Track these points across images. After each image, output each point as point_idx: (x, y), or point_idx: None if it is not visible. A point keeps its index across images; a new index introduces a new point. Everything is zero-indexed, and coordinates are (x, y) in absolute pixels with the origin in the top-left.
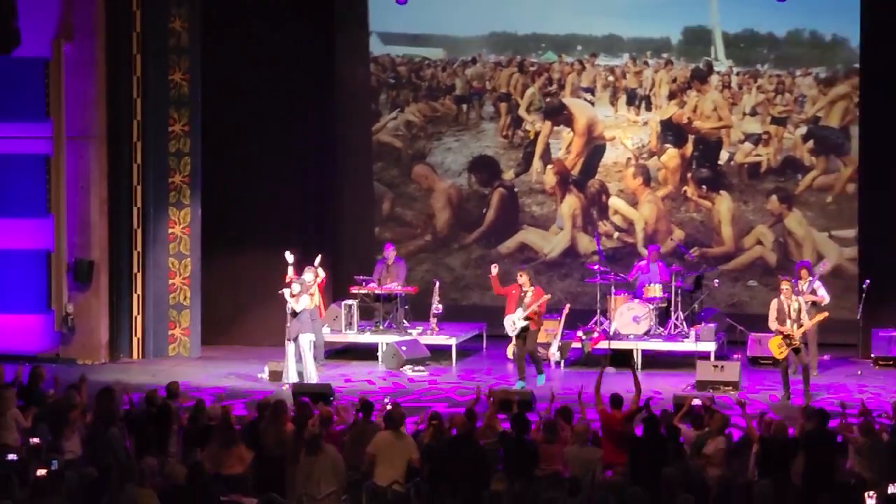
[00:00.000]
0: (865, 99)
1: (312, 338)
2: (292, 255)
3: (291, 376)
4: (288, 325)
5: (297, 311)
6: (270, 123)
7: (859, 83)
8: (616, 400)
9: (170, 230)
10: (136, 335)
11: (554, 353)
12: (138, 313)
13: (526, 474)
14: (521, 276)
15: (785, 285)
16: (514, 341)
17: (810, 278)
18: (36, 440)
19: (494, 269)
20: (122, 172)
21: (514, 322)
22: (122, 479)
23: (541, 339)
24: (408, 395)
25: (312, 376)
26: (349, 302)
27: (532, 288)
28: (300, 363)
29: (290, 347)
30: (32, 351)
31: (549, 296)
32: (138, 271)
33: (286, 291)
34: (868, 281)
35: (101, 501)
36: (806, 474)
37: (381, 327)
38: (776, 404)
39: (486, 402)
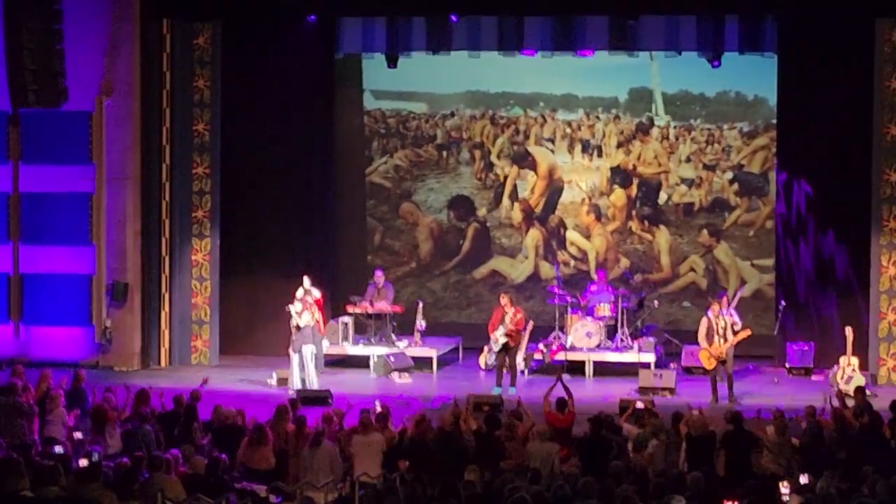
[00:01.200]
0: (781, 148)
1: (314, 349)
2: (308, 279)
3: (296, 383)
4: (293, 338)
5: (301, 325)
6: (279, 166)
7: (776, 135)
8: (561, 404)
9: (193, 257)
10: (163, 346)
11: (519, 363)
12: (166, 327)
13: (494, 466)
14: (503, 297)
15: (715, 306)
16: (484, 352)
17: (727, 307)
18: (79, 435)
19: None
20: (153, 208)
21: (497, 338)
22: (152, 469)
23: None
24: (396, 398)
25: (314, 383)
26: (345, 319)
27: (513, 309)
28: (303, 371)
29: (294, 358)
30: (76, 359)
31: (521, 315)
32: (166, 292)
33: (292, 308)
34: (783, 302)
35: (133, 488)
36: (726, 467)
37: (372, 341)
38: (706, 408)
39: (462, 404)
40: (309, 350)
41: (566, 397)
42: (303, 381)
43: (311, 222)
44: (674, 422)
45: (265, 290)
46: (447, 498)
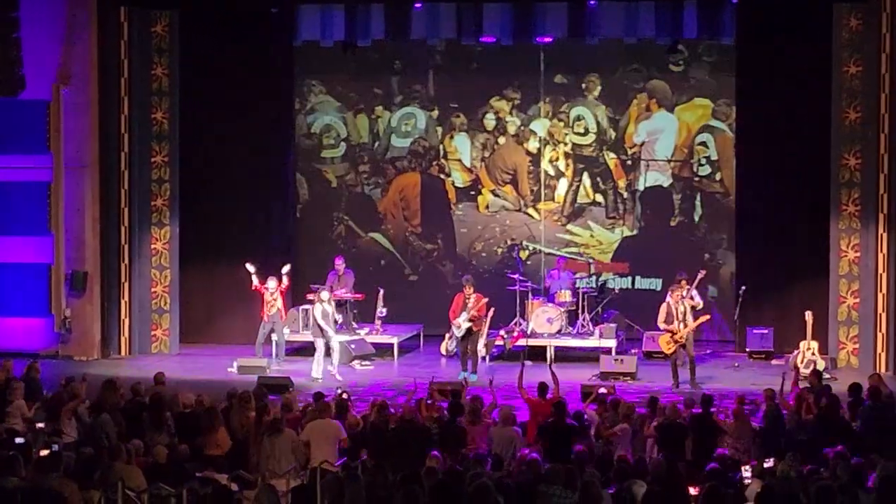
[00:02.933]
0: (741, 134)
1: (340, 340)
2: (252, 266)
3: (317, 372)
4: (321, 326)
5: (319, 321)
6: (239, 154)
7: (735, 121)
8: (543, 388)
9: (152, 246)
10: (123, 335)
11: (480, 350)
12: (126, 317)
13: (456, 452)
14: (466, 286)
15: (677, 291)
16: (446, 339)
17: (688, 287)
18: (41, 425)
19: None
20: (111, 197)
21: (460, 324)
22: (112, 459)
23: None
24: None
25: (320, 371)
26: (306, 307)
27: (474, 295)
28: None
29: (321, 344)
30: (35, 349)
31: (486, 299)
32: (125, 281)
33: (324, 295)
34: (744, 287)
35: (94, 477)
36: (693, 451)
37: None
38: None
39: (425, 391)
40: (322, 342)
41: (552, 384)
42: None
43: (271, 210)
44: (649, 407)
45: (226, 279)
46: (409, 485)
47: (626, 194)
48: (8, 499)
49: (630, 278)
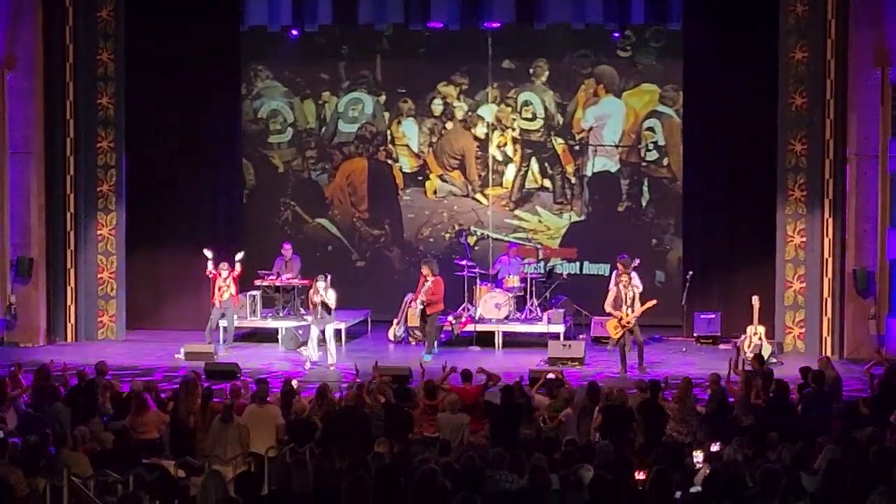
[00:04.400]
0: (688, 120)
1: (336, 326)
2: (210, 252)
3: (313, 357)
4: (317, 315)
5: (331, 305)
6: (186, 139)
7: (682, 106)
8: (466, 375)
9: (98, 232)
10: (70, 321)
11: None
12: (72, 303)
13: (403, 438)
14: (423, 267)
15: (623, 276)
16: (394, 324)
17: (627, 270)
18: None
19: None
20: (57, 182)
21: (415, 306)
22: (58, 446)
23: (416, 323)
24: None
25: (333, 357)
26: (253, 293)
27: (433, 278)
28: (321, 348)
29: (314, 332)
30: None
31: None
32: (71, 267)
33: (320, 284)
34: (691, 272)
35: (40, 464)
36: (642, 436)
37: (280, 314)
38: (616, 378)
39: (372, 376)
40: (332, 328)
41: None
42: (321, 356)
43: (218, 196)
44: (589, 392)
45: (172, 265)
46: (356, 471)
47: (573, 180)
48: None
49: (578, 263)
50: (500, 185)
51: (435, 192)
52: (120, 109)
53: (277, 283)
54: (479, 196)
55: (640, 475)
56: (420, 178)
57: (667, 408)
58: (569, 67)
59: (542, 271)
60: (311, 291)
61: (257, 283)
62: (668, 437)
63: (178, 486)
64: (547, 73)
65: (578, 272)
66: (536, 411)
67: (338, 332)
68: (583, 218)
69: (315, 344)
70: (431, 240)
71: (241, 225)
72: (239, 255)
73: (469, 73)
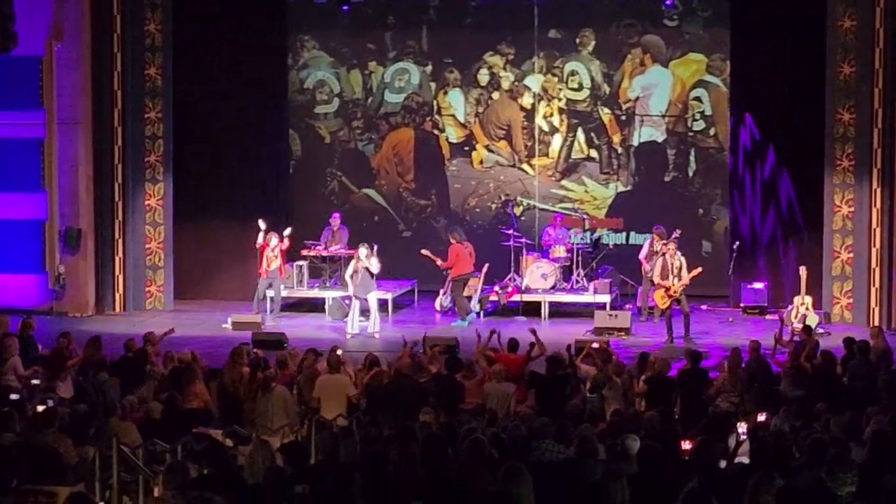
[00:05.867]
0: (735, 89)
1: (380, 295)
2: (264, 223)
3: (353, 328)
4: (357, 283)
5: (374, 271)
6: (233, 109)
7: (729, 76)
8: (513, 345)
9: (146, 202)
10: (118, 292)
11: (475, 306)
12: (120, 273)
13: (452, 407)
14: (450, 237)
15: (671, 245)
16: (440, 295)
17: (663, 241)
18: (36, 381)
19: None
20: (105, 153)
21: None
22: (107, 415)
23: (464, 293)
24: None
25: (377, 327)
26: (300, 263)
27: (454, 245)
28: (362, 316)
29: (355, 302)
30: (29, 306)
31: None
32: (119, 237)
33: (362, 252)
34: (737, 243)
35: (89, 433)
36: (682, 407)
37: (327, 284)
38: (662, 347)
39: (421, 346)
40: (375, 296)
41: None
42: (362, 327)
43: (265, 165)
44: (639, 363)
45: (220, 234)
46: (403, 439)
47: (620, 150)
48: (3, 454)
49: (624, 234)
50: (547, 155)
51: (481, 162)
52: (167, 80)
53: (324, 254)
54: (525, 166)
55: (686, 445)
56: (466, 148)
57: (717, 378)
58: (615, 37)
59: (589, 241)
60: (354, 260)
61: (304, 253)
62: (716, 408)
63: (225, 455)
64: (593, 42)
65: (625, 242)
66: (582, 381)
67: (384, 303)
68: (629, 188)
69: (356, 315)
70: (478, 210)
71: (288, 195)
72: (287, 231)
73: (515, 42)
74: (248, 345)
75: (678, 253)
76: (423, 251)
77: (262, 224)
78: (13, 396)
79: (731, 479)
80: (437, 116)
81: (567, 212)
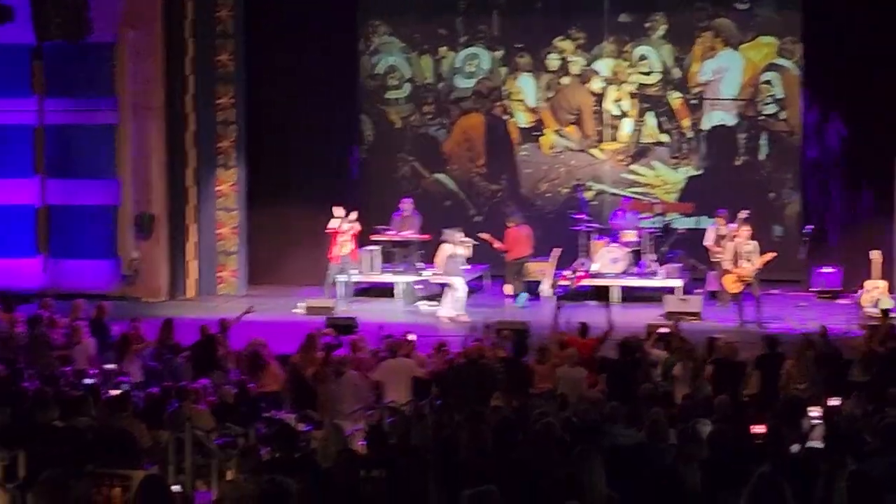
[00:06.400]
0: (809, 72)
1: (461, 280)
2: (341, 210)
3: (448, 312)
4: (445, 267)
5: (462, 256)
6: (305, 94)
7: (803, 56)
8: (584, 329)
9: (218, 188)
10: (190, 277)
11: (545, 290)
12: (192, 258)
13: (522, 392)
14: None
15: (743, 229)
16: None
17: (730, 224)
18: (111, 366)
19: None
20: (177, 139)
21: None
22: (180, 399)
23: (535, 277)
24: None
25: (455, 310)
26: (372, 248)
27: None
28: (446, 299)
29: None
30: (103, 291)
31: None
32: (192, 223)
33: (457, 235)
34: (811, 227)
35: (162, 417)
36: (759, 391)
37: (399, 269)
38: (732, 332)
39: (489, 331)
40: (458, 282)
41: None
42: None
43: (336, 150)
44: (707, 347)
45: (292, 220)
46: (475, 424)
47: (690, 134)
48: (79, 438)
49: (695, 218)
50: (616, 139)
51: (551, 147)
52: (239, 66)
53: (396, 238)
54: (595, 151)
55: (757, 429)
56: (536, 133)
57: (786, 364)
58: (686, 20)
59: (659, 226)
60: (447, 245)
61: (376, 238)
62: (787, 393)
63: (297, 439)
64: (664, 26)
65: (695, 227)
66: (653, 366)
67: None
68: (699, 172)
69: (449, 298)
70: (549, 195)
71: (360, 180)
72: (353, 215)
73: (585, 27)
74: (321, 330)
75: (750, 237)
76: (482, 234)
77: (338, 211)
78: (87, 381)
79: (803, 464)
80: (506, 101)
81: (637, 196)
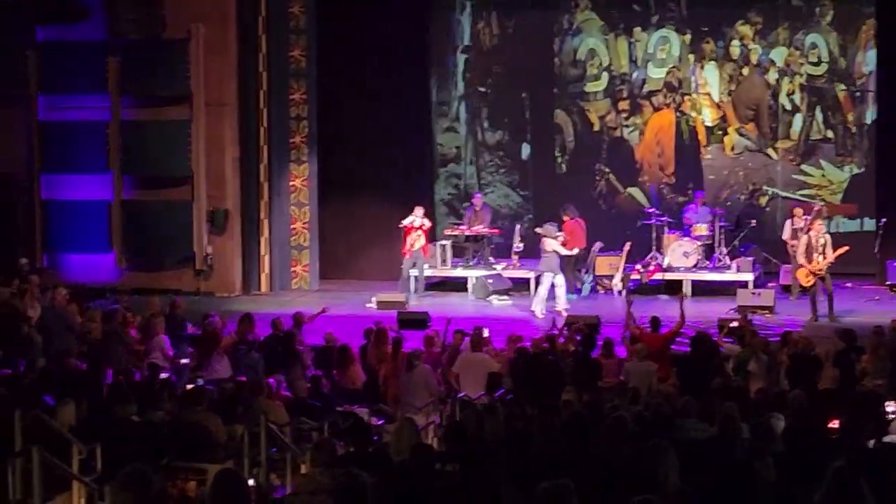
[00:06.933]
0: (882, 67)
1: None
2: (421, 209)
3: (563, 304)
4: (542, 261)
5: (558, 252)
6: (377, 89)
7: (876, 57)
8: (655, 322)
9: (291, 183)
10: (264, 272)
11: (616, 284)
12: (265, 253)
13: (591, 386)
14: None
15: (818, 223)
16: (581, 274)
17: (805, 217)
18: (185, 360)
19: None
20: (250, 134)
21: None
22: (255, 394)
23: (605, 272)
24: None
25: (562, 307)
26: (444, 242)
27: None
28: (552, 299)
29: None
30: (175, 286)
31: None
32: (265, 218)
33: (553, 230)
34: (884, 220)
35: (237, 412)
36: (837, 385)
37: (470, 263)
38: (805, 326)
39: (560, 326)
40: (560, 279)
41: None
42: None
43: (409, 145)
44: (782, 341)
45: (365, 215)
46: (547, 417)
47: (854, 129)
48: (155, 432)
49: (858, 221)
50: (788, 137)
51: (732, 149)
52: (311, 61)
53: (467, 233)
54: (769, 151)
55: (832, 424)
56: (720, 132)
57: (862, 359)
58: (852, 6)
59: (732, 219)
60: (548, 240)
61: (447, 232)
62: (863, 388)
63: (370, 433)
64: (831, 12)
65: (859, 230)
66: (725, 360)
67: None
68: (862, 170)
69: (556, 294)
70: (728, 203)
71: (429, 176)
72: (420, 211)
73: (762, 11)
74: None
75: (825, 230)
76: (537, 229)
77: (418, 211)
78: (163, 375)
79: (879, 459)
80: (694, 95)
81: (806, 199)
